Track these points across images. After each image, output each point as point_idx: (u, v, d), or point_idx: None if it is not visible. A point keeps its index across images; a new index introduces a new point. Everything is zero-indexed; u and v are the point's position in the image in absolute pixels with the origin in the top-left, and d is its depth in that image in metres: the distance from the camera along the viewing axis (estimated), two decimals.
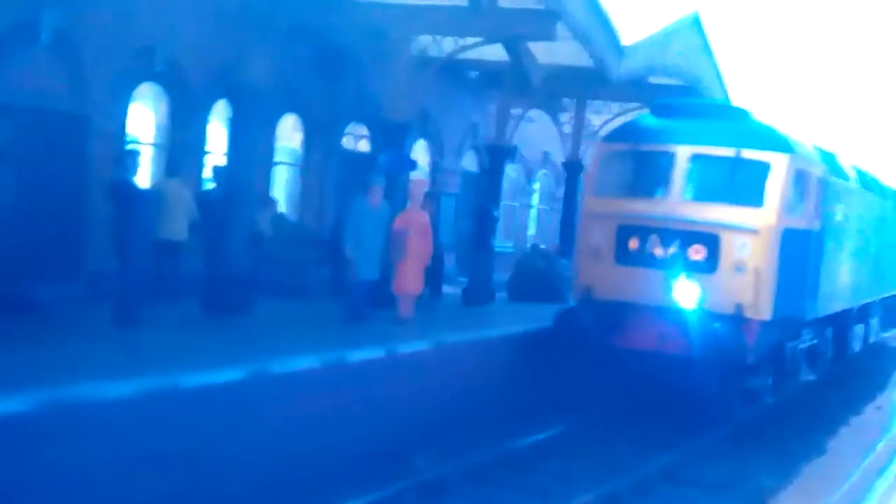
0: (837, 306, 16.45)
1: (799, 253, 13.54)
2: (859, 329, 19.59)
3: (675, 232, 13.03)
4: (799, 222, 13.55)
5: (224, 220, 13.65)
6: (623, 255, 13.41)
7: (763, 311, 12.80)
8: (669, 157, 13.45)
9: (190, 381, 8.97)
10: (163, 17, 14.42)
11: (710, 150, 13.32)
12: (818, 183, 14.13)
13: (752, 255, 12.69)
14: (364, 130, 20.89)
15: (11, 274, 11.19)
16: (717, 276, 12.84)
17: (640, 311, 13.19)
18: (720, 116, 13.96)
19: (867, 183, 18.80)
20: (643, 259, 13.22)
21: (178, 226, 13.97)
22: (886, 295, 22.17)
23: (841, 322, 17.47)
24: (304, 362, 10.48)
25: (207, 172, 16.44)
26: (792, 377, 14.73)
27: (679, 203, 13.22)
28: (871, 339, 21.53)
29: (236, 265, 13.43)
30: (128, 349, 10.44)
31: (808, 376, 15.64)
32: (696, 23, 20.78)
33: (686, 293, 12.89)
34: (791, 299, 13.44)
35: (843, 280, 16.54)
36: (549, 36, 14.38)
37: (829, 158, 15.64)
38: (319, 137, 19.45)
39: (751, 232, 12.75)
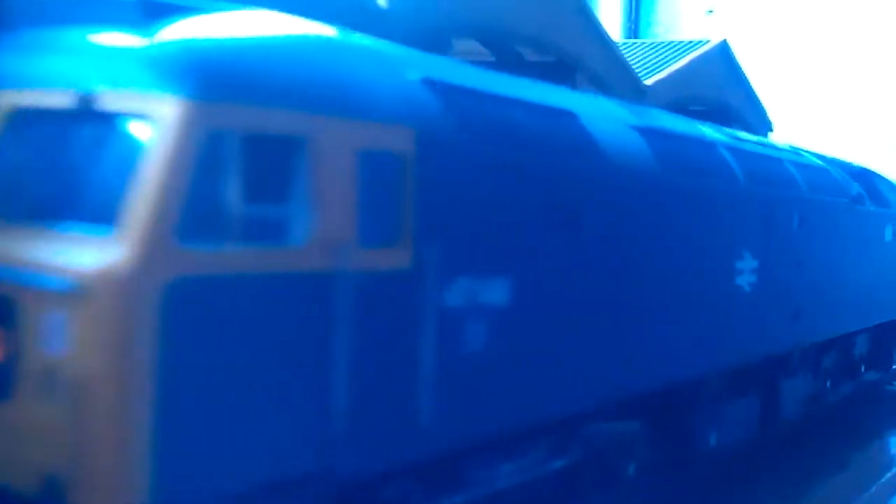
0: (596, 393, 8.56)
1: (295, 329, 5.71)
2: (740, 406, 11.83)
3: None
4: (272, 260, 5.60)
5: None
6: None
7: (116, 486, 5.00)
8: None
9: None
10: None
11: (41, 99, 5.69)
12: (367, 165, 6.05)
13: (79, 350, 5.00)
14: None
15: None
16: (15, 403, 5.23)
17: None
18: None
19: (688, 156, 10.33)
20: None
21: None
22: (818, 340, 13.91)
23: (673, 406, 10.37)
24: None
25: None
26: None
27: None
28: (787, 413, 13.17)
29: None
30: None
31: None
32: (724, 52, 21.72)
33: None
34: (276, 439, 5.64)
35: (616, 346, 8.80)
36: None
37: (478, 103, 7.38)
38: None
39: (71, 294, 5.02)
